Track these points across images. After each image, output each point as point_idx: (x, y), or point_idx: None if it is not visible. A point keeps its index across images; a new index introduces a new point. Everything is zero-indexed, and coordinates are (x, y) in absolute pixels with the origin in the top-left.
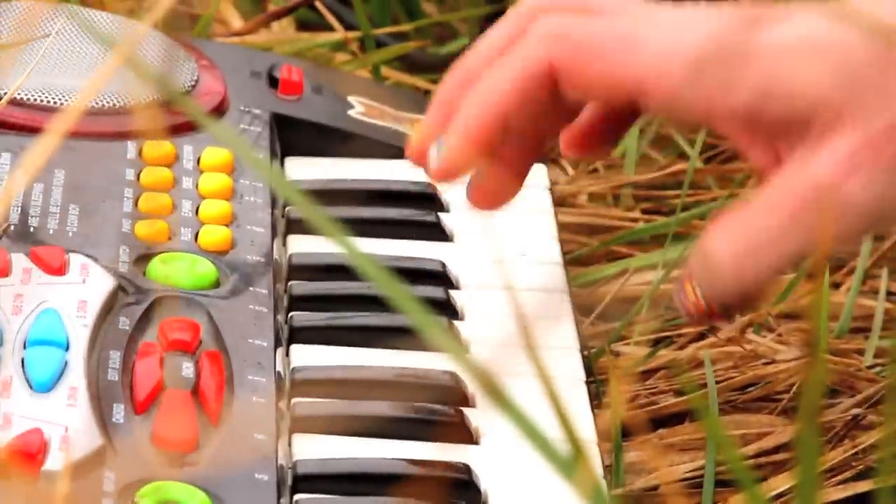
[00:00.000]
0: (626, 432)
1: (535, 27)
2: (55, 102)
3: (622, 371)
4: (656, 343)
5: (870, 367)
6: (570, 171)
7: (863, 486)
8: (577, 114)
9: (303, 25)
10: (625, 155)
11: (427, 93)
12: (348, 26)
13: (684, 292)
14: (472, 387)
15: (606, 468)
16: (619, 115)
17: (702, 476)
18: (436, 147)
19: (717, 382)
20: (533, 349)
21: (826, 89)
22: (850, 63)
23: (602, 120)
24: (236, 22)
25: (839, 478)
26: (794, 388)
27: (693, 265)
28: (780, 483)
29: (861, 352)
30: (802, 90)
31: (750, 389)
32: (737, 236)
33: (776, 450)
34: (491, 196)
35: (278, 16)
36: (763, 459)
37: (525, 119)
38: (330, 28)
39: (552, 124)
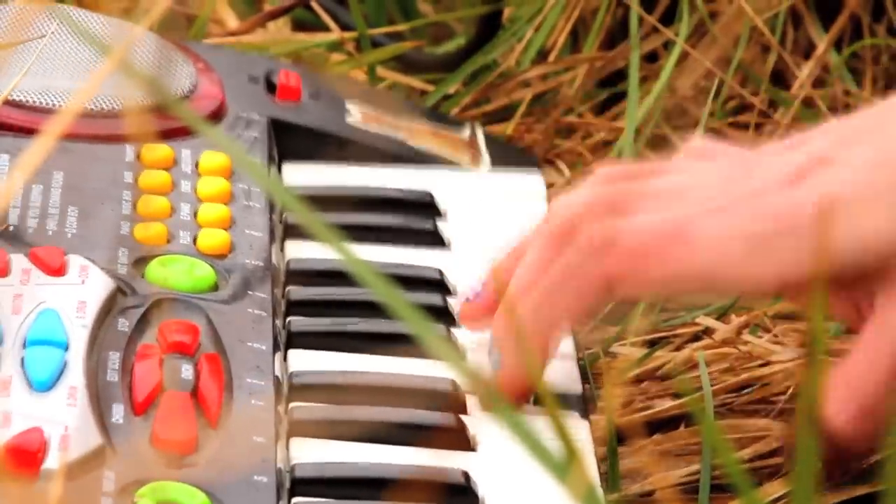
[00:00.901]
0: (622, 437)
1: (582, 239)
2: (52, 104)
3: (617, 375)
4: (651, 344)
5: None
6: (567, 172)
7: (860, 490)
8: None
9: (299, 25)
10: (621, 156)
11: (423, 93)
12: (344, 26)
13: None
14: (469, 393)
15: (602, 474)
16: None
17: (698, 481)
18: (491, 357)
19: (713, 385)
20: (528, 355)
21: (893, 236)
22: None
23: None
24: (232, 22)
25: (836, 481)
26: (791, 391)
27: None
28: (777, 488)
29: None
30: (872, 243)
31: (746, 392)
32: (848, 402)
33: (772, 454)
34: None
35: (274, 16)
36: (759, 463)
37: (574, 325)
38: (326, 28)
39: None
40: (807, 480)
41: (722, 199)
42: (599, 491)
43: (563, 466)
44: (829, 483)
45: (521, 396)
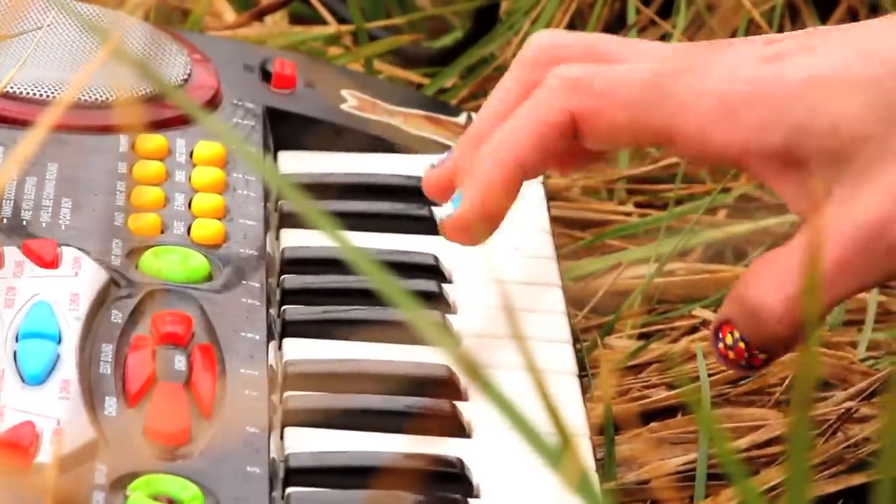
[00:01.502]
0: (619, 426)
1: (553, 76)
2: (47, 96)
3: (614, 364)
4: (649, 336)
5: (863, 360)
6: None
7: (856, 479)
8: (586, 154)
9: (296, 19)
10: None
11: (420, 86)
12: (341, 20)
13: (723, 340)
14: (464, 380)
15: (598, 462)
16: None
17: (694, 469)
18: (451, 202)
19: (710, 375)
20: (522, 341)
21: (866, 123)
22: (886, 95)
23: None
24: (229, 15)
25: (832, 470)
26: (787, 381)
27: (733, 313)
28: (773, 476)
29: (854, 344)
30: (840, 126)
31: (742, 382)
32: (785, 283)
33: (768, 443)
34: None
35: (271, 9)
36: (756, 452)
37: (539, 167)
38: (323, 22)
39: (560, 164)
40: (801, 469)
41: (698, 62)
42: (594, 476)
43: (557, 452)
44: (753, 372)
45: (482, 230)
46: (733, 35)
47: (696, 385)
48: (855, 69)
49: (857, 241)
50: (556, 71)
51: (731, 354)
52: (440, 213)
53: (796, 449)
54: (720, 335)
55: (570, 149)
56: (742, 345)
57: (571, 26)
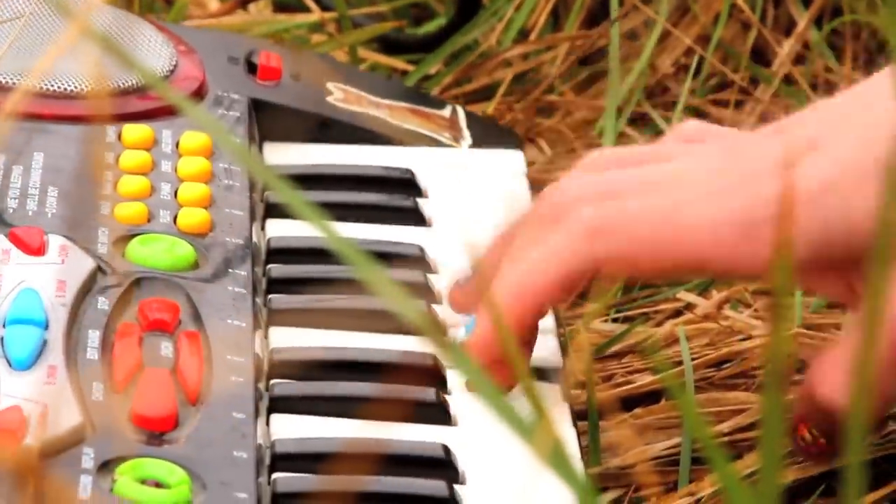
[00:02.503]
0: (603, 411)
1: (572, 220)
2: (43, 87)
3: (587, 348)
4: (632, 320)
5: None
6: (548, 151)
7: (839, 462)
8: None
9: (279, 7)
10: (602, 134)
11: (404, 73)
12: (325, 7)
13: (802, 437)
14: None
15: (583, 447)
16: None
17: (678, 454)
18: (464, 327)
19: (693, 359)
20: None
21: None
22: None
23: None
24: (213, 4)
25: None
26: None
27: (807, 412)
28: (756, 461)
29: (838, 326)
30: (859, 225)
31: (726, 366)
32: (847, 381)
33: (751, 426)
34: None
35: None
36: (739, 436)
37: (557, 304)
38: (306, 9)
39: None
40: (774, 453)
41: (713, 185)
42: (576, 458)
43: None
44: (821, 460)
45: (493, 365)
46: (716, 20)
47: (680, 369)
48: (863, 161)
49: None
50: (576, 213)
51: (814, 449)
52: (425, 204)
53: (768, 432)
54: (799, 433)
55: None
56: (823, 440)
57: (555, 13)
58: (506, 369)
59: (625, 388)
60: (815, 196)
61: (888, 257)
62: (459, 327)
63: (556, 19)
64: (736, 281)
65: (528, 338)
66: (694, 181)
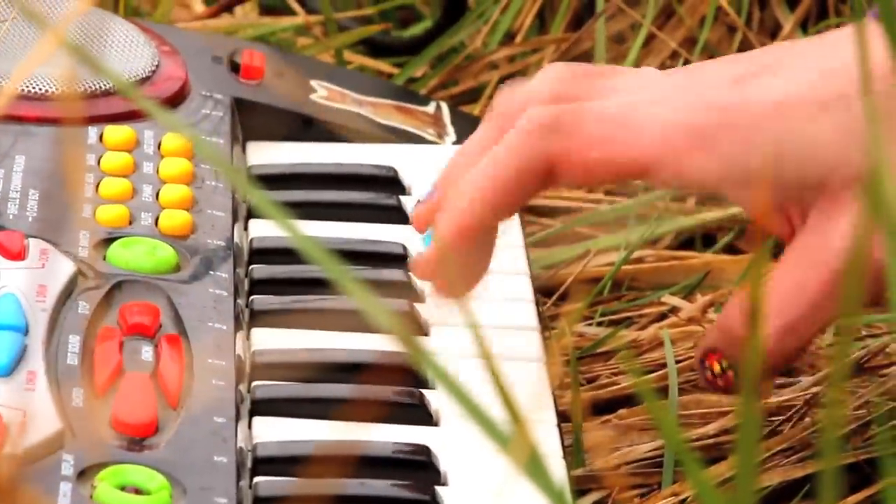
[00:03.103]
0: (587, 413)
1: (525, 119)
2: (24, 90)
3: (582, 352)
4: (618, 323)
5: (830, 346)
6: None
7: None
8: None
9: (266, 10)
10: None
11: (390, 76)
12: (311, 10)
13: (710, 369)
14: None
15: (566, 449)
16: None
17: (662, 455)
18: (423, 241)
19: (678, 362)
20: (476, 328)
21: (837, 149)
22: (851, 116)
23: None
24: (198, 6)
25: (799, 455)
26: None
27: (720, 343)
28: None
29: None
30: (813, 152)
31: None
32: (772, 319)
33: (736, 429)
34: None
35: (241, 0)
36: (723, 439)
37: (513, 210)
38: (293, 12)
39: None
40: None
41: (668, 92)
42: (558, 460)
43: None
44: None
45: (452, 272)
46: (702, 23)
47: (664, 372)
48: (820, 90)
49: (837, 270)
50: (527, 114)
51: (720, 382)
52: (408, 202)
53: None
54: (707, 364)
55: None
56: (731, 373)
57: (540, 15)
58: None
59: (609, 389)
60: (769, 111)
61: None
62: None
63: (542, 21)
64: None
65: (488, 239)
66: (649, 88)
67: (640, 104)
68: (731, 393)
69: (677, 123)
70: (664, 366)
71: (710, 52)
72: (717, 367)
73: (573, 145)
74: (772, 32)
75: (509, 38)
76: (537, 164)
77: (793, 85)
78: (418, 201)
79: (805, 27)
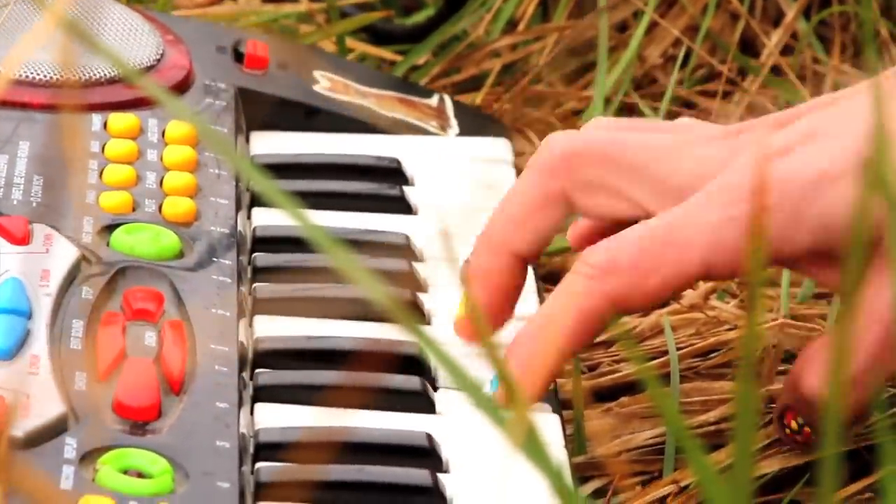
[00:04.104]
0: (588, 400)
1: (582, 263)
2: (22, 75)
3: None
4: None
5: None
6: (536, 141)
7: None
8: None
9: None
10: None
11: (392, 63)
12: None
13: (789, 427)
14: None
15: (568, 436)
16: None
17: (664, 442)
18: (490, 384)
19: (680, 349)
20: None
21: (879, 209)
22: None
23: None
24: None
25: None
26: (757, 354)
27: (792, 401)
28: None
29: (824, 317)
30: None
31: (712, 356)
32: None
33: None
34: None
35: None
36: (725, 426)
37: (580, 350)
38: None
39: None
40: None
41: (711, 185)
42: (560, 447)
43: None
44: (809, 449)
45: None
46: (704, 11)
47: (665, 359)
48: (861, 153)
49: (891, 320)
50: (583, 258)
51: (800, 439)
52: (411, 192)
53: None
54: (785, 422)
55: None
56: (808, 429)
57: (543, 4)
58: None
59: (610, 377)
60: (812, 184)
61: (863, 254)
62: (486, 383)
63: (545, 10)
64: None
65: (549, 388)
66: (691, 167)
67: (683, 215)
68: (811, 449)
69: (723, 223)
70: (665, 353)
71: (713, 40)
72: (794, 425)
73: (632, 281)
74: (774, 20)
75: (512, 26)
76: (600, 309)
77: (831, 153)
78: (467, 260)
79: (808, 15)
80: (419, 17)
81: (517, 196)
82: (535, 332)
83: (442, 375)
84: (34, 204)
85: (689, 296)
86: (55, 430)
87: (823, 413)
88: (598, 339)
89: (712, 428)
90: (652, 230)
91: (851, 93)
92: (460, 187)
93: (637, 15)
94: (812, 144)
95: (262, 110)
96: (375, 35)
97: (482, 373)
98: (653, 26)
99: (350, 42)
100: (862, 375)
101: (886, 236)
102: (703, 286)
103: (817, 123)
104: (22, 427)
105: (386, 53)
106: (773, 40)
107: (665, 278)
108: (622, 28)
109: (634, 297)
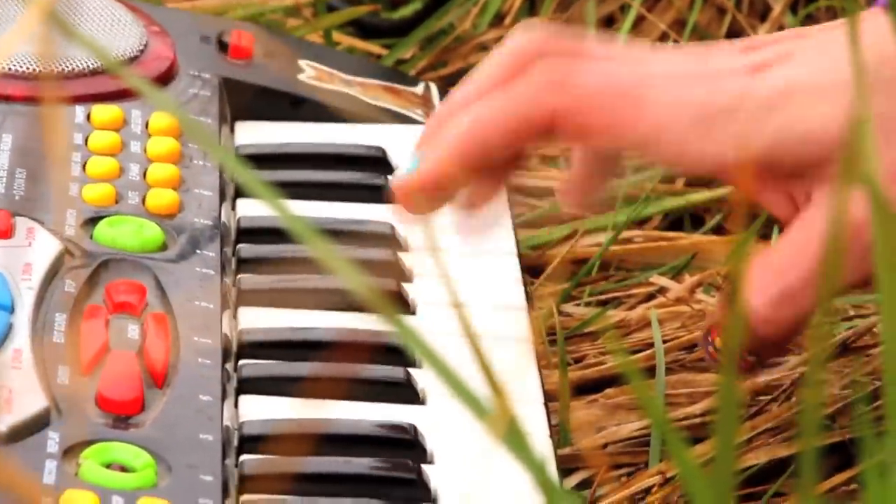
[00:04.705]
0: (575, 392)
1: (537, 70)
2: (11, 68)
3: (569, 331)
4: (606, 304)
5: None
6: None
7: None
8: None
9: None
10: None
11: (379, 57)
12: None
13: (713, 344)
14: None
15: (553, 428)
16: (611, 160)
17: (650, 434)
18: (408, 163)
19: (666, 342)
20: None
21: (836, 131)
22: None
23: (594, 170)
24: None
25: (785, 434)
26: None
27: (721, 317)
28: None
29: None
30: (815, 134)
31: (698, 349)
32: (769, 286)
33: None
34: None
35: None
36: (710, 418)
37: (502, 152)
38: None
39: (525, 156)
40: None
41: (678, 72)
42: (545, 439)
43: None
44: (744, 375)
45: (430, 199)
46: (691, 5)
47: (651, 352)
48: (830, 75)
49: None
50: (541, 65)
51: (721, 358)
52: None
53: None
54: (710, 339)
55: (536, 143)
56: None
57: None
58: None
59: (596, 369)
60: (775, 99)
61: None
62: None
63: (532, 4)
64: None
65: (467, 176)
66: (661, 65)
67: (651, 78)
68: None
69: (685, 104)
70: (651, 346)
71: (700, 34)
72: (718, 343)
73: (579, 107)
74: (761, 14)
75: (499, 19)
76: (540, 117)
77: (804, 71)
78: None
79: (794, 9)
80: (406, 11)
81: (481, 72)
82: (464, 121)
83: (425, 365)
84: (17, 197)
85: (676, 289)
86: (38, 424)
87: (756, 327)
88: (585, 332)
89: (698, 420)
90: (619, 71)
91: (825, 28)
92: None
93: (624, 9)
94: (784, 63)
95: (246, 100)
96: (362, 29)
97: (465, 365)
98: (640, 20)
99: (337, 36)
100: (800, 291)
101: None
102: (690, 280)
103: (790, 48)
104: (4, 421)
105: (373, 47)
106: (760, 34)
107: (609, 124)
108: (609, 22)
109: (573, 124)
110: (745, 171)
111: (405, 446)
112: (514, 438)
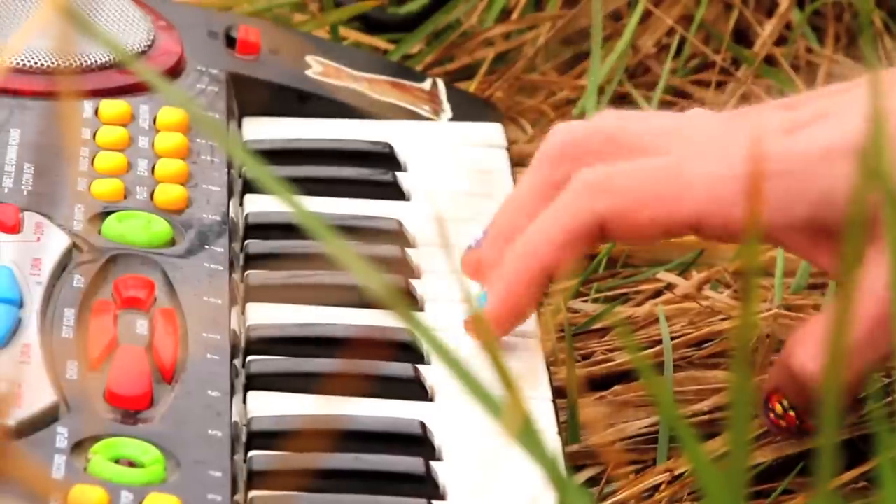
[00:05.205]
0: (582, 389)
1: (577, 180)
2: (20, 63)
3: (577, 328)
4: (613, 300)
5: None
6: (530, 129)
7: (806, 438)
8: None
9: None
10: (583, 114)
11: (385, 52)
12: None
13: (773, 410)
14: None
15: (562, 424)
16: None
17: (657, 431)
18: (478, 300)
19: (673, 339)
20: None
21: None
22: None
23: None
24: None
25: None
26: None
27: (780, 382)
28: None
29: (818, 307)
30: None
31: (706, 345)
32: (821, 351)
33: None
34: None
35: None
36: (718, 415)
37: (565, 267)
38: None
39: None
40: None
41: (715, 143)
42: (553, 435)
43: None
44: (805, 437)
45: (506, 329)
46: (698, 0)
47: (659, 349)
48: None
49: (887, 300)
50: (579, 175)
51: (783, 423)
52: (404, 178)
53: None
54: (770, 405)
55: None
56: (792, 413)
57: None
58: None
59: (604, 365)
60: (814, 161)
61: (861, 232)
62: (474, 297)
63: None
64: (729, 243)
65: (537, 301)
66: (696, 139)
67: (688, 160)
68: (794, 436)
69: (724, 176)
70: (659, 342)
71: (707, 30)
72: (778, 408)
73: (624, 205)
74: (768, 10)
75: (505, 14)
76: (589, 225)
77: (840, 131)
78: (469, 247)
79: (801, 5)
80: (412, 6)
81: (524, 187)
82: (521, 249)
83: (435, 362)
84: (25, 192)
85: (683, 286)
86: (47, 419)
87: (816, 392)
88: (593, 328)
89: (706, 417)
90: (653, 164)
91: (862, 83)
92: (453, 172)
93: (631, 4)
94: (822, 123)
95: (254, 96)
96: (369, 24)
97: (475, 361)
98: (647, 15)
99: (343, 31)
100: (857, 354)
101: (882, 217)
102: (698, 276)
103: (828, 106)
104: (14, 416)
105: (379, 42)
106: (766, 30)
107: (656, 214)
108: (616, 17)
109: (622, 224)
110: (794, 234)
111: (414, 443)
112: (526, 435)
